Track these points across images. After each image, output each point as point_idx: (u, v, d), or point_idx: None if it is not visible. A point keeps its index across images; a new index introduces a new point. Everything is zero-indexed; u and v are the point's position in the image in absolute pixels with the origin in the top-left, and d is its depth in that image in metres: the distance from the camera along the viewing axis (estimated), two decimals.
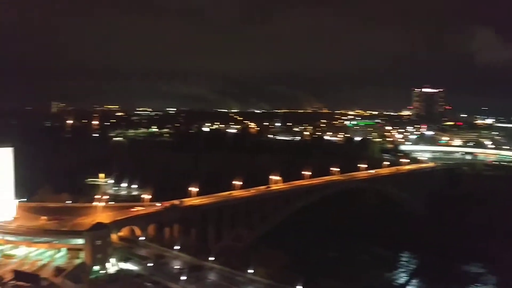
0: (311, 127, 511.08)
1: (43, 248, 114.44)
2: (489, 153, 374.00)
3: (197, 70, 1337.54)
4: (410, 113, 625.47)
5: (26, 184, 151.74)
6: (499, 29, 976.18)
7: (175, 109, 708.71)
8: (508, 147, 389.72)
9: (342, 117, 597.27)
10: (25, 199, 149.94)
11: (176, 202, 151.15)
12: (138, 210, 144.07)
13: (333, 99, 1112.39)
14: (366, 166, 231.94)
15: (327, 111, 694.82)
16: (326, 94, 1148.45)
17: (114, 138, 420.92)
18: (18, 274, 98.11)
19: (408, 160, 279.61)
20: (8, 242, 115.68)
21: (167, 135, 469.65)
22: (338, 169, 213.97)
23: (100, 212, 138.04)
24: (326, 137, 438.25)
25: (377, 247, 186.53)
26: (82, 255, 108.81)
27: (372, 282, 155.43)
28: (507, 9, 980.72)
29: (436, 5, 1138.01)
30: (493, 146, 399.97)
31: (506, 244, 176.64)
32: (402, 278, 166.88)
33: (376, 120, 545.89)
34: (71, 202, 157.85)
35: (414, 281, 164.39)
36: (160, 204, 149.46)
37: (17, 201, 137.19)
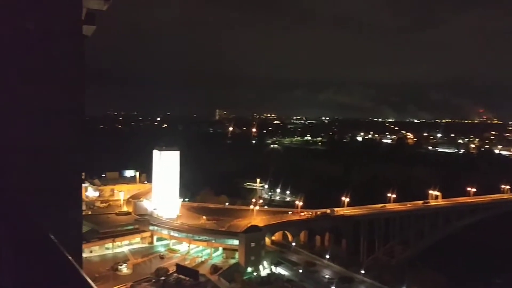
0: (478, 139, 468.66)
1: (202, 246, 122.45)
2: None
3: (353, 78, 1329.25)
4: None
5: (190, 185, 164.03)
6: None
7: (329, 118, 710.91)
8: None
9: None
10: (188, 199, 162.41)
11: (327, 210, 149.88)
12: (297, 215, 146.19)
13: (505, 109, 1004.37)
14: None
15: (498, 121, 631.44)
16: (497, 103, 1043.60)
17: (270, 145, 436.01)
18: (180, 268, 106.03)
19: None
20: (172, 237, 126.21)
21: (321, 143, 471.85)
22: (509, 187, 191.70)
23: (255, 215, 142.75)
24: (496, 151, 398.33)
25: None
26: (237, 255, 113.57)
27: None
28: None
29: None
30: None
31: None
32: None
33: None
34: (229, 204, 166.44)
35: None
36: (311, 211, 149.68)
37: (181, 200, 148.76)
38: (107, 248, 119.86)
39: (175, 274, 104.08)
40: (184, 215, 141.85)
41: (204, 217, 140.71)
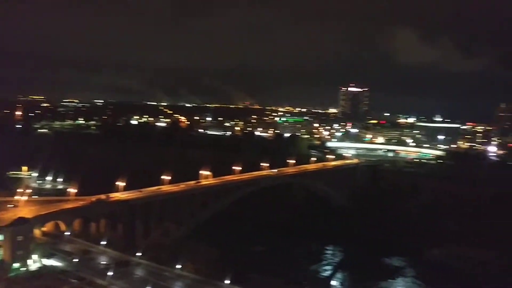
0: (242, 123, 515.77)
1: None
2: (410, 151, 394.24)
3: (128, 61, 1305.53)
4: (337, 111, 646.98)
5: None
6: (419, 30, 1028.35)
7: (103, 101, 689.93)
8: (428, 145, 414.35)
9: (273, 113, 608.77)
10: None
11: (102, 196, 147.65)
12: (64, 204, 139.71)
13: (264, 96, 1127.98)
14: (294, 161, 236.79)
15: (258, 107, 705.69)
16: (258, 90, 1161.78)
17: (38, 130, 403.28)
18: None
19: (334, 157, 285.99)
20: None
21: (94, 127, 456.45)
22: (268, 165, 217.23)
23: (22, 206, 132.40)
24: (256, 133, 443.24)
25: (304, 241, 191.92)
26: (1, 251, 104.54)
27: (298, 275, 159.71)
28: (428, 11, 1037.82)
29: (362, 4, 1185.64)
30: (414, 144, 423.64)
31: (425, 238, 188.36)
32: (327, 271, 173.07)
33: (305, 117, 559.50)
34: None
35: (339, 273, 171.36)
36: (86, 199, 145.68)
37: None
38: None
39: None
40: None
41: None
